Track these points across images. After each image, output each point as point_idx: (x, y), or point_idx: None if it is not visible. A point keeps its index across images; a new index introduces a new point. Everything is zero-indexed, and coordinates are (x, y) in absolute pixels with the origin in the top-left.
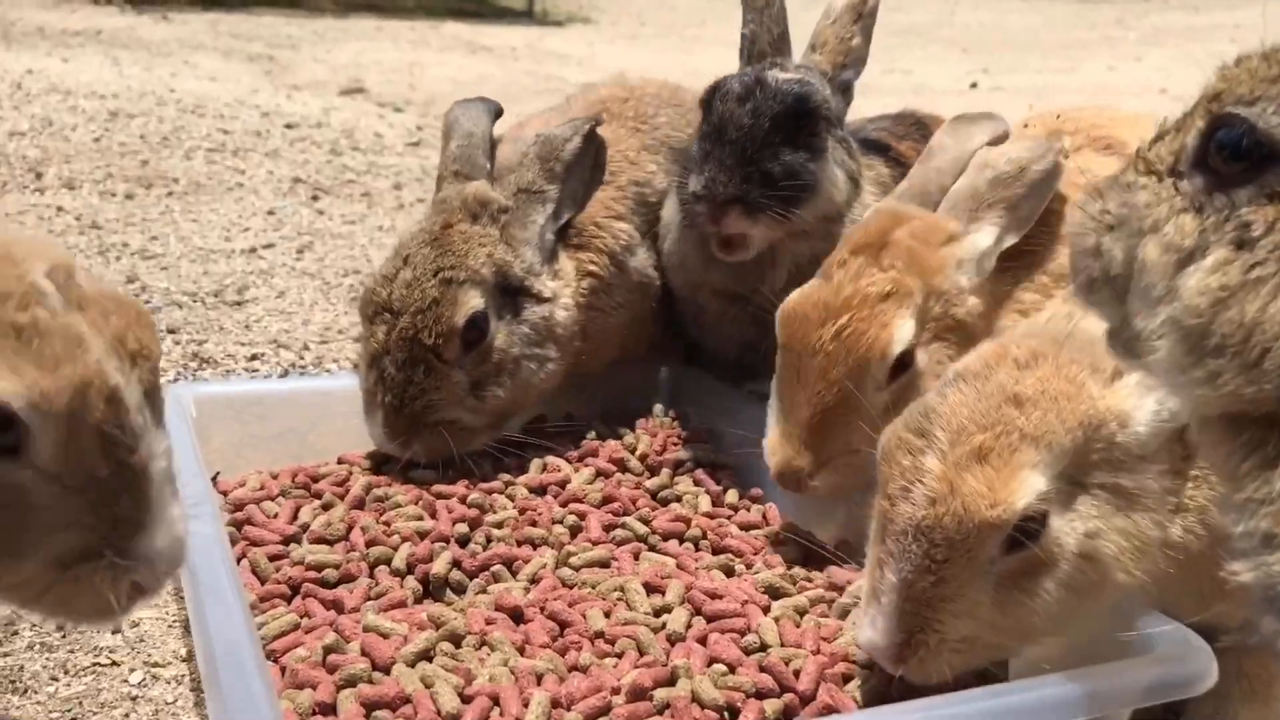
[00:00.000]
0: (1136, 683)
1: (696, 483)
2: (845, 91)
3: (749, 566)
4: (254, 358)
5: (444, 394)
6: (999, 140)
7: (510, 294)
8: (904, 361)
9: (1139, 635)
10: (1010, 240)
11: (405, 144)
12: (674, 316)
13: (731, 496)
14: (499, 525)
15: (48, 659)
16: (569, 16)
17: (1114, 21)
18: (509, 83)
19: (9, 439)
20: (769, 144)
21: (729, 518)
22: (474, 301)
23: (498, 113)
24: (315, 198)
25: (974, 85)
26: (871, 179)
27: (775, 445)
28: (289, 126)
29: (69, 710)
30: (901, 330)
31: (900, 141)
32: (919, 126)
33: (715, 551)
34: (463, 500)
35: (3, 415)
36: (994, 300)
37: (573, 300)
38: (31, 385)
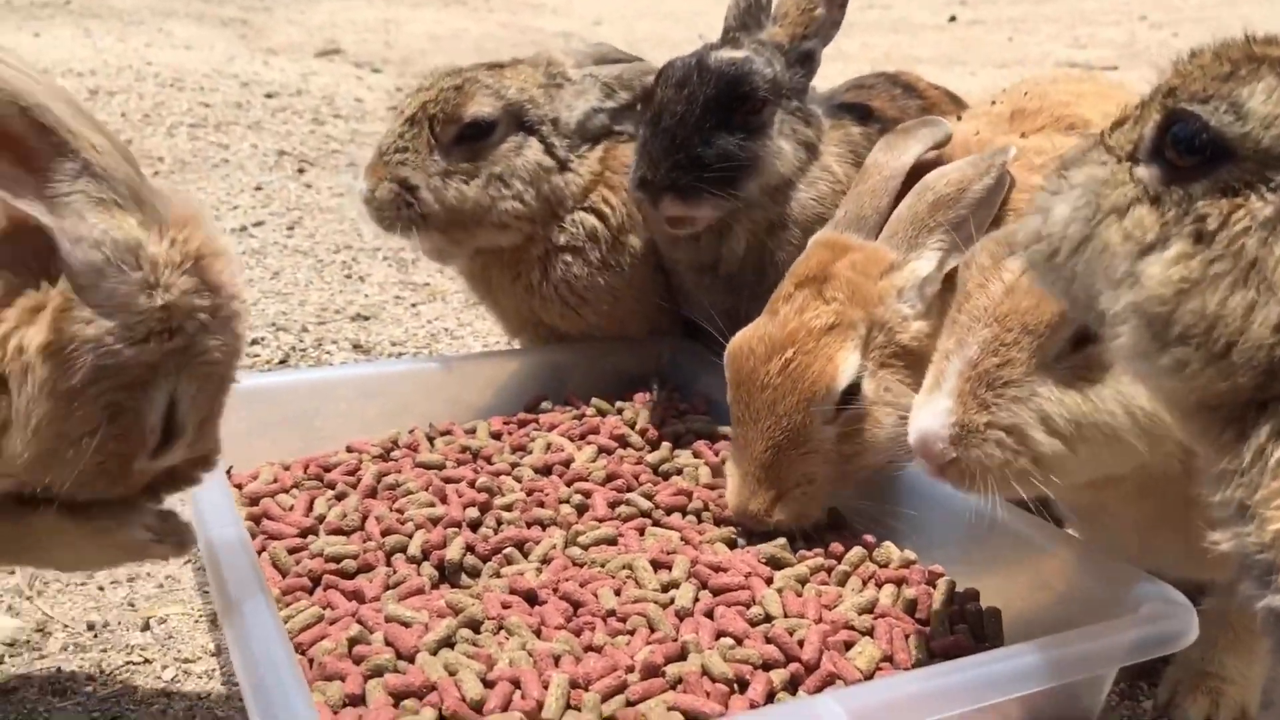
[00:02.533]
0: (1121, 642)
1: (696, 455)
2: (806, 61)
3: (750, 538)
4: (254, 342)
5: None
6: (940, 145)
7: None
8: (850, 392)
9: (1125, 593)
10: (954, 262)
11: (386, 108)
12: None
13: None
14: (508, 508)
15: (82, 659)
16: None
17: None
18: (485, 35)
19: None
20: (701, 128)
21: None
22: None
23: None
24: (301, 170)
25: (953, 19)
26: (839, 139)
27: (732, 488)
28: (269, 96)
29: (108, 710)
30: (846, 364)
31: (872, 95)
32: (889, 79)
33: (717, 523)
34: (471, 484)
35: None
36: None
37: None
38: None
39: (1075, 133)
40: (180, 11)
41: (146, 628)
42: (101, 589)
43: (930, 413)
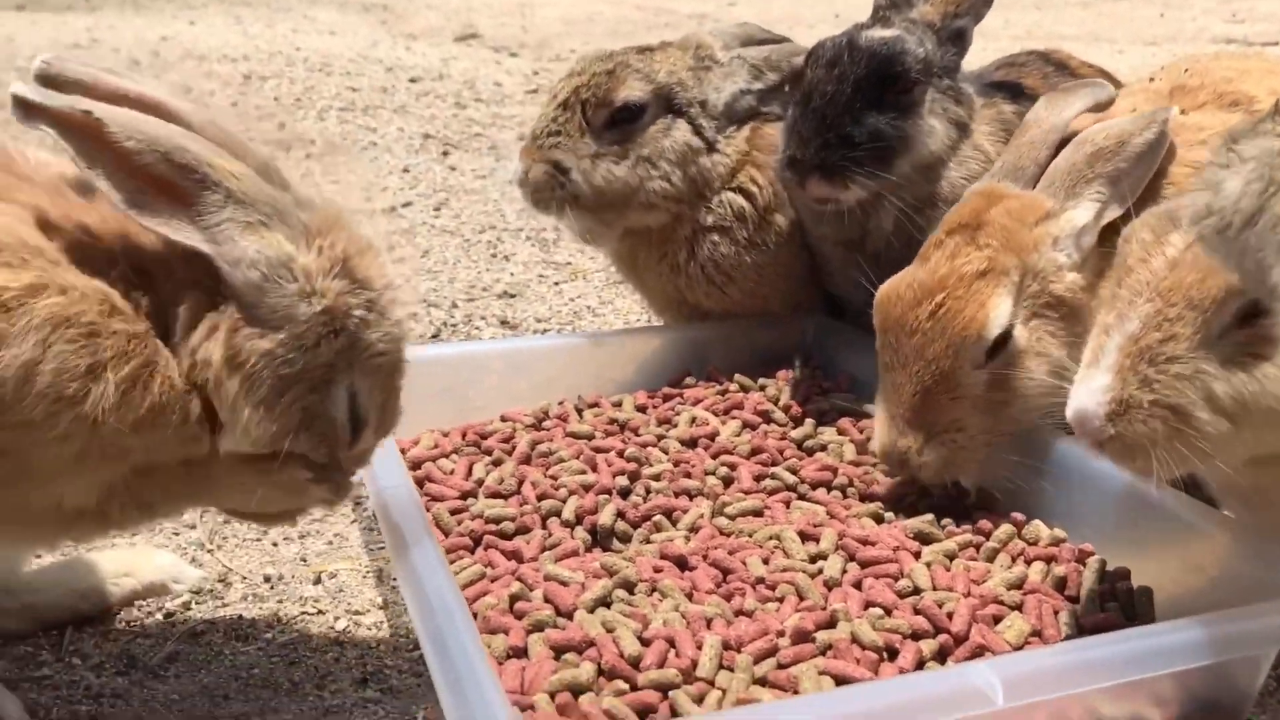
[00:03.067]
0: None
1: (840, 432)
2: (957, 39)
3: (896, 514)
4: (408, 317)
5: None
6: (1102, 107)
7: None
8: (1001, 340)
9: None
10: (1113, 214)
11: (525, 91)
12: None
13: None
14: (656, 478)
15: (260, 608)
16: None
17: None
18: (620, 18)
19: None
20: (851, 108)
21: (874, 465)
22: None
23: None
24: (446, 153)
25: None
26: (990, 118)
27: (879, 429)
28: (413, 80)
29: (286, 655)
30: (998, 310)
31: (1024, 74)
32: (1040, 56)
33: (863, 499)
34: (620, 454)
35: None
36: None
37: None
38: None
39: (1239, 110)
40: None
41: (318, 581)
42: (275, 544)
43: (1089, 389)
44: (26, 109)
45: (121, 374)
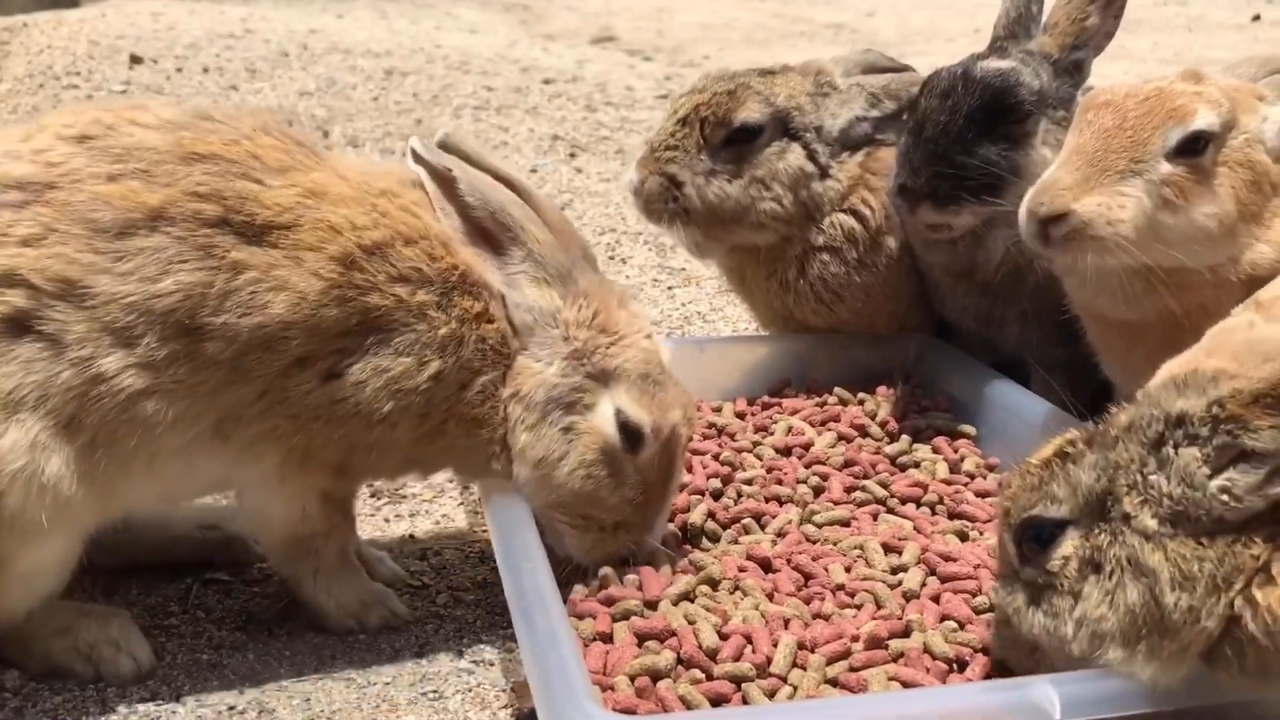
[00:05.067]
0: None
1: (935, 450)
2: (1076, 71)
3: (982, 533)
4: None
5: None
6: None
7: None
8: (1196, 146)
9: None
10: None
11: (655, 96)
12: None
13: (969, 464)
14: (748, 482)
15: None
16: None
17: None
18: (755, 25)
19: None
20: (963, 138)
21: (965, 485)
22: None
23: None
24: (573, 155)
25: (1257, 18)
26: None
27: (1044, 175)
28: (546, 82)
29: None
30: (1206, 112)
31: None
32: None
33: (951, 516)
34: (715, 458)
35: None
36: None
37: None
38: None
39: None
40: None
41: (424, 558)
42: (387, 520)
43: None
44: (415, 157)
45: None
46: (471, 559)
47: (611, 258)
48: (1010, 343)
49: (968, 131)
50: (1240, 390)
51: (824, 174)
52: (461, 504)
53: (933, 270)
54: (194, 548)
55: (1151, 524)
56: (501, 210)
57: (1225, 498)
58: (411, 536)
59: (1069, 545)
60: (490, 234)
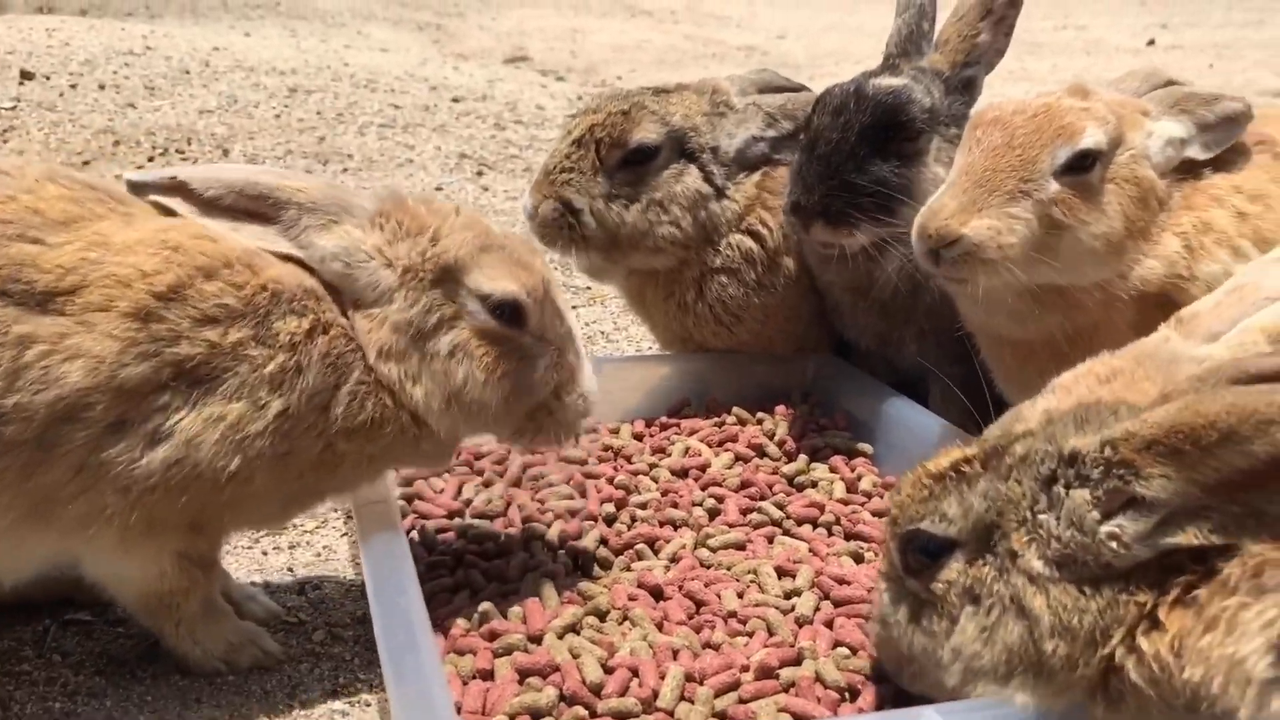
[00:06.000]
0: None
1: (832, 469)
2: (967, 89)
3: (878, 554)
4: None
5: None
6: None
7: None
8: (1084, 164)
9: None
10: (1193, 152)
11: (566, 115)
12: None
13: (866, 483)
14: (643, 506)
15: None
16: None
17: None
18: (668, 47)
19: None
20: (856, 155)
21: (862, 504)
22: None
23: None
24: (480, 173)
25: (1151, 42)
26: None
27: (933, 199)
28: (455, 100)
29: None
30: (1093, 131)
31: None
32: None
33: (847, 537)
34: (610, 481)
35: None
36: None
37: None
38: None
39: (1264, 150)
40: (379, 15)
41: (301, 592)
42: (265, 554)
43: None
44: (136, 188)
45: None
46: (353, 593)
47: None
48: (908, 361)
49: (860, 149)
50: (1134, 434)
51: (720, 195)
52: (345, 534)
53: (831, 289)
54: (51, 586)
55: (1037, 565)
56: (247, 184)
57: (1114, 544)
58: (290, 570)
59: (953, 570)
60: (255, 213)
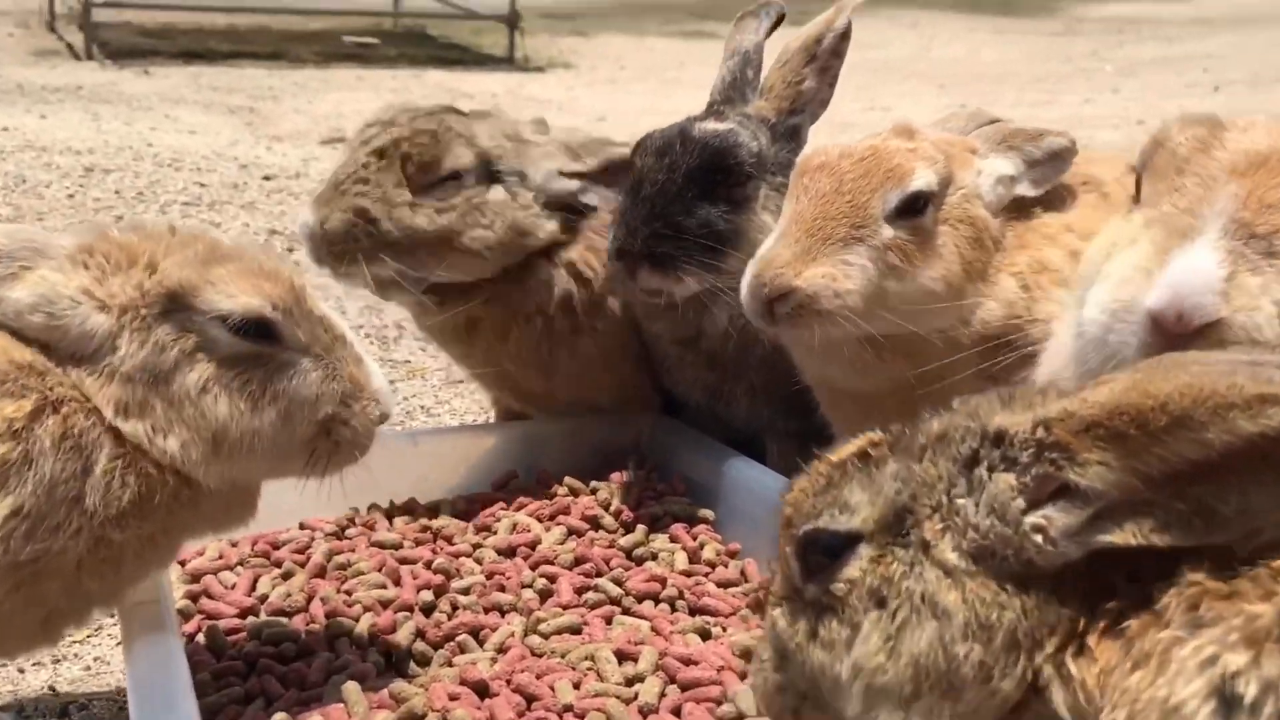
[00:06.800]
0: None
1: (673, 539)
2: (793, 136)
3: (725, 629)
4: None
5: None
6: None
7: None
8: (916, 206)
9: None
10: (1022, 189)
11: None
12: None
13: (709, 552)
14: (465, 591)
15: None
16: (549, 62)
17: (1088, 54)
18: None
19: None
20: (682, 197)
21: (706, 575)
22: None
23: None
24: (291, 249)
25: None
26: None
27: (764, 248)
28: (267, 178)
29: None
30: (923, 171)
31: None
32: None
33: (692, 612)
34: (428, 565)
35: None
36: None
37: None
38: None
39: (1090, 190)
40: (189, 99)
41: (64, 714)
42: (22, 671)
43: (1193, 265)
44: None
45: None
46: (127, 711)
47: None
48: (741, 417)
49: (687, 191)
50: (1071, 413)
51: (528, 209)
52: (120, 643)
53: (659, 341)
54: None
55: (952, 557)
56: None
57: (1038, 538)
58: (52, 689)
59: (857, 566)
60: None
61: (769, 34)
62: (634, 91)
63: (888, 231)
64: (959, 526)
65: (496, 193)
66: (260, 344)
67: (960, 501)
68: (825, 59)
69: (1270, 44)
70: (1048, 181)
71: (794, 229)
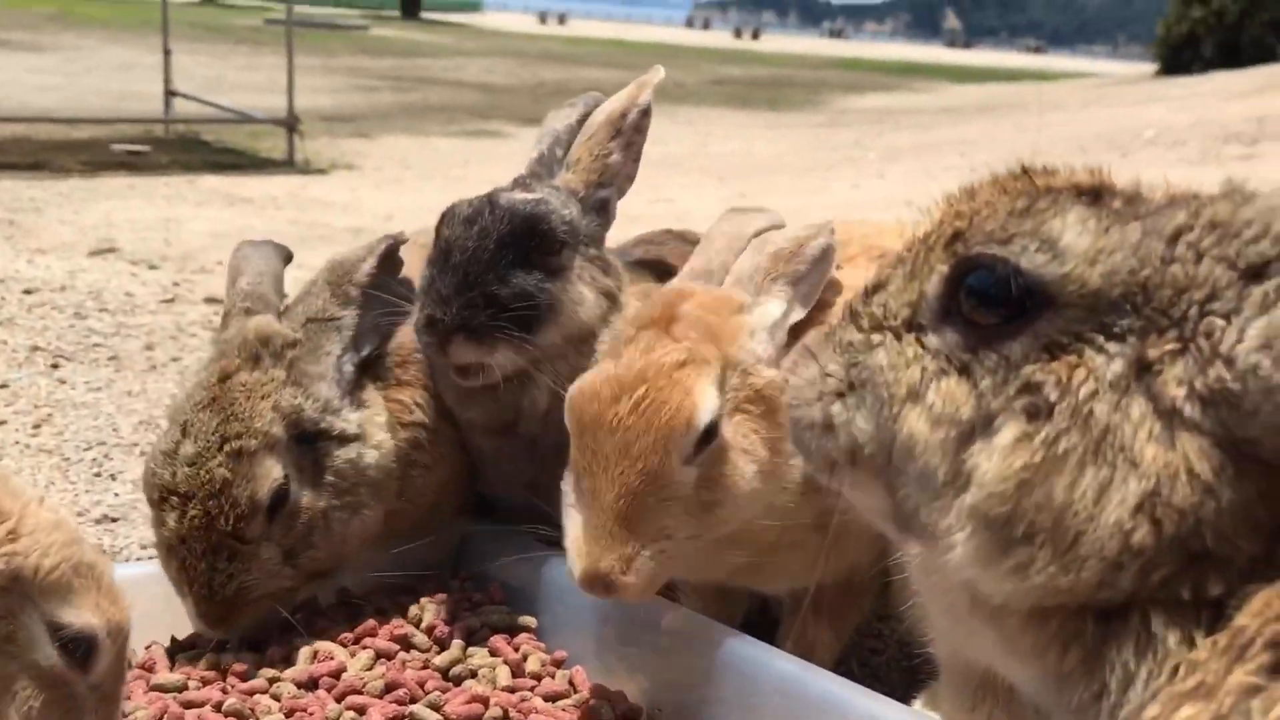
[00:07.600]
0: None
1: (493, 652)
2: (602, 210)
3: None
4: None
5: (255, 573)
6: (777, 226)
7: (308, 441)
8: (710, 435)
9: None
10: (796, 315)
11: (159, 301)
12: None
13: (534, 664)
14: None
15: None
16: (331, 164)
17: (853, 143)
18: (272, 232)
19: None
20: (495, 265)
21: (532, 689)
22: (274, 473)
23: (288, 257)
24: (55, 365)
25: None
26: (640, 293)
27: (577, 549)
28: (27, 292)
29: None
30: (706, 397)
31: (664, 251)
32: (677, 235)
33: None
34: (217, 708)
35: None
36: None
37: (387, 435)
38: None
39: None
40: None
41: None
42: None
43: None
44: None
45: None
46: None
47: (98, 475)
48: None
49: (500, 258)
50: None
51: (344, 440)
52: None
53: (473, 433)
54: None
55: (1176, 394)
56: None
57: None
58: None
59: (1026, 345)
60: None
61: (582, 121)
62: (420, 190)
63: (692, 474)
64: (1202, 355)
65: (321, 484)
66: (72, 668)
67: (1218, 322)
68: (629, 134)
69: (1017, 128)
70: (817, 291)
71: (598, 516)
